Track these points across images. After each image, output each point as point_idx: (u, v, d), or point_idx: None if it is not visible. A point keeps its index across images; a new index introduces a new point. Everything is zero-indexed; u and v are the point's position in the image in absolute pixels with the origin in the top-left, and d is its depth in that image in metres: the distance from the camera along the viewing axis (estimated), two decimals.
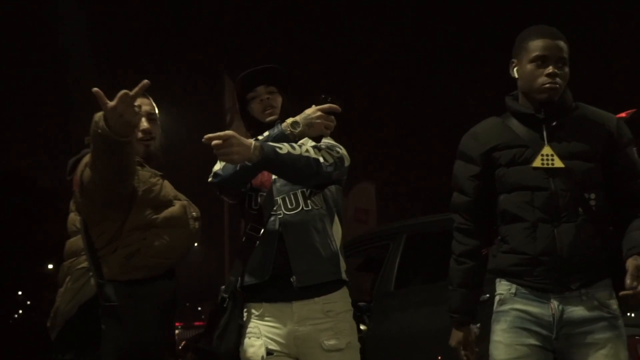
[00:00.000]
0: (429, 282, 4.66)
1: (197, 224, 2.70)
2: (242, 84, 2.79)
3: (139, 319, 2.46)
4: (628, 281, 2.13)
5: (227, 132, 2.38)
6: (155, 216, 2.56)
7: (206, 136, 2.37)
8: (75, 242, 2.59)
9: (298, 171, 2.49)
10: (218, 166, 2.60)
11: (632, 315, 3.37)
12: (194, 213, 2.70)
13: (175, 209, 2.63)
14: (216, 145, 2.35)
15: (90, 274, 2.48)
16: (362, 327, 4.57)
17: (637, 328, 3.36)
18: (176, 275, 2.67)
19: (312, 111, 2.57)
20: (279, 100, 2.76)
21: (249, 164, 2.44)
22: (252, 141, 2.42)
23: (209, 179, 2.62)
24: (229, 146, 2.35)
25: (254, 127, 2.76)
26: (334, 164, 2.59)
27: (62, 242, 2.68)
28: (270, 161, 2.43)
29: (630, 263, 2.17)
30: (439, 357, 3.94)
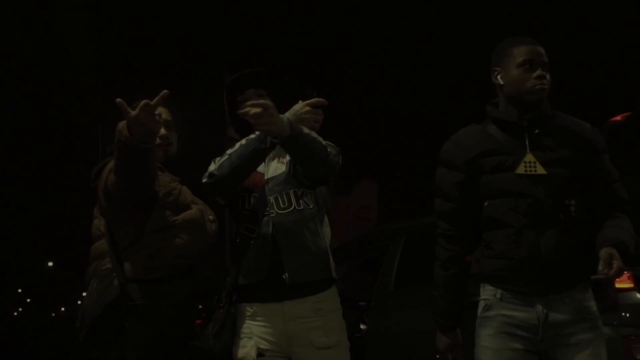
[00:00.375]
0: (427, 282, 4.66)
1: (213, 226, 2.79)
2: (232, 87, 2.80)
3: (159, 316, 2.55)
4: (600, 267, 2.16)
5: (267, 102, 2.40)
6: (174, 218, 2.66)
7: (247, 103, 2.38)
8: (100, 245, 2.69)
9: (315, 154, 2.50)
10: (213, 166, 2.60)
11: (627, 315, 3.40)
12: (210, 216, 2.79)
13: (193, 212, 2.73)
14: (256, 113, 2.34)
15: (114, 274, 2.57)
16: (361, 326, 4.59)
17: (631, 328, 3.39)
18: (194, 275, 2.75)
19: (300, 107, 2.58)
20: None
21: (275, 140, 2.44)
22: (285, 115, 2.43)
23: (203, 180, 2.61)
24: (269, 116, 2.35)
25: (244, 130, 2.75)
26: (337, 155, 2.62)
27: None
28: (298, 137, 2.43)
29: (604, 251, 2.20)
30: (437, 356, 3.95)
